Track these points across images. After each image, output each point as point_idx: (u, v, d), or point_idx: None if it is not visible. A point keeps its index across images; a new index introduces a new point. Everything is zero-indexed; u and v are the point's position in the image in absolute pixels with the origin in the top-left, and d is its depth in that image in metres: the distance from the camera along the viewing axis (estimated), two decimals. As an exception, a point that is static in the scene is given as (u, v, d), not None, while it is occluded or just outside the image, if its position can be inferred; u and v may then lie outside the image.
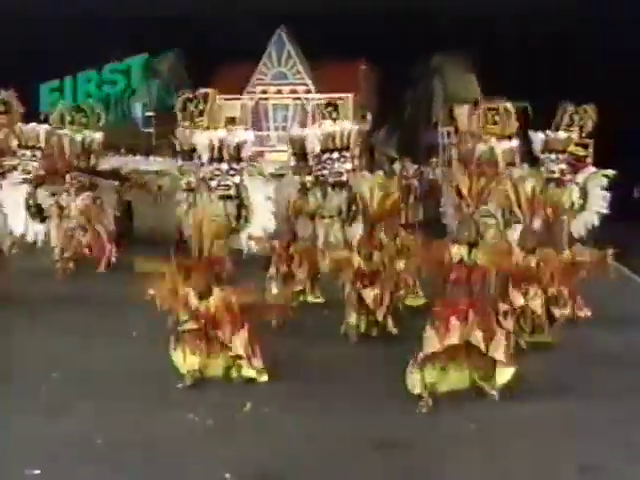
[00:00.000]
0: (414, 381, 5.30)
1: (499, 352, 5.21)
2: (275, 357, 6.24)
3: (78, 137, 11.58)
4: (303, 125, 15.22)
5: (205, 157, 9.62)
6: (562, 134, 11.20)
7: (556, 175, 10.98)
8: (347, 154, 10.15)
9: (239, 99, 16.00)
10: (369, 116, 16.84)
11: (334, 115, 10.75)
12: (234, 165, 9.52)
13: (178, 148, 10.80)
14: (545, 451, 4.71)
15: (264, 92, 15.94)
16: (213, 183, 9.53)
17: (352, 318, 7.26)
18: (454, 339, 5.18)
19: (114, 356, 6.92)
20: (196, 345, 5.87)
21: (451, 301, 5.30)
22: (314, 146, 10.59)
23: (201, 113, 10.03)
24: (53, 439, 4.95)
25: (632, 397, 5.70)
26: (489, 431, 5.05)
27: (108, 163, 13.24)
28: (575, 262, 7.28)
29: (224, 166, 9.53)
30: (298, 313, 7.87)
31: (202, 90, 10.63)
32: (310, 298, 8.89)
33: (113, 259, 9.92)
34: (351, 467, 4.58)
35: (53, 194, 9.83)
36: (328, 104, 10.99)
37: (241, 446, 4.85)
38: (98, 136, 12.17)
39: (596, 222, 11.13)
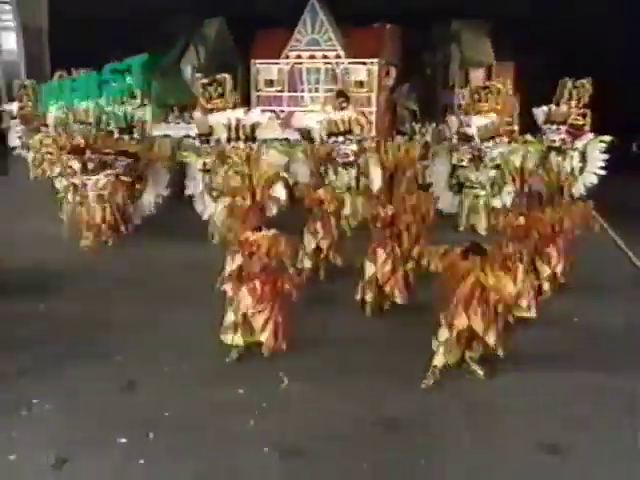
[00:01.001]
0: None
1: (491, 336, 5.36)
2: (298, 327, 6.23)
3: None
4: (333, 88, 15.20)
5: (223, 137, 9.83)
6: (562, 108, 11.40)
7: (557, 144, 11.33)
8: (351, 137, 10.41)
9: (277, 63, 15.83)
10: (393, 72, 16.57)
11: (344, 104, 10.84)
12: (250, 144, 9.76)
13: (196, 131, 10.73)
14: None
15: (298, 57, 15.62)
16: (231, 161, 9.76)
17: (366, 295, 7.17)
18: (460, 326, 5.35)
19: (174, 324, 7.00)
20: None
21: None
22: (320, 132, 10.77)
23: (220, 95, 10.19)
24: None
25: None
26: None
27: (160, 130, 13.54)
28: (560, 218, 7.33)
29: (241, 144, 9.77)
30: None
31: (220, 75, 10.79)
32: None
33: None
34: (360, 444, 4.76)
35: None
36: (339, 94, 11.05)
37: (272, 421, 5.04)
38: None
39: (595, 181, 11.36)
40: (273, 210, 6.78)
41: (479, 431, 4.91)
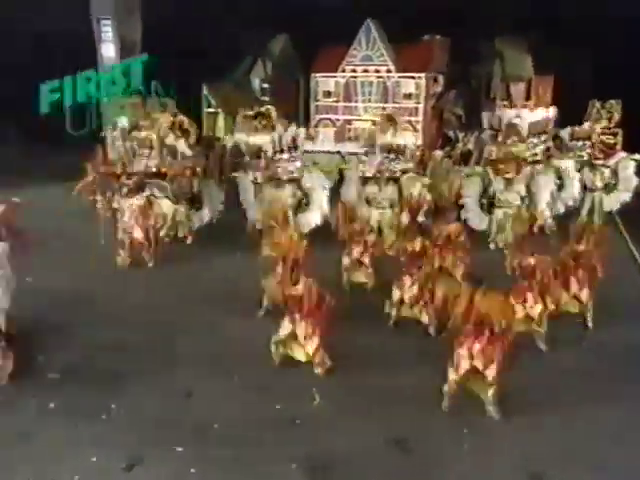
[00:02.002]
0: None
1: (491, 370, 5.25)
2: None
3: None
4: (384, 99, 15.26)
5: (270, 152, 10.06)
6: (585, 126, 11.19)
7: (585, 158, 11.04)
8: (401, 157, 10.33)
9: (334, 77, 15.90)
10: (441, 80, 16.39)
11: (394, 127, 10.77)
12: (293, 153, 9.98)
13: (244, 149, 10.84)
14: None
15: (353, 71, 15.63)
16: (279, 170, 10.01)
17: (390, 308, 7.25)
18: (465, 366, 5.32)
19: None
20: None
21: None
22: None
23: (266, 123, 10.39)
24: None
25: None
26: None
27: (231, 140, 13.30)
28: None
29: (285, 155, 9.96)
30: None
31: (264, 107, 10.98)
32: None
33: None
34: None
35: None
36: (388, 117, 10.98)
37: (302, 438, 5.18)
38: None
39: (628, 199, 11.19)
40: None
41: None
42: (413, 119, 15.26)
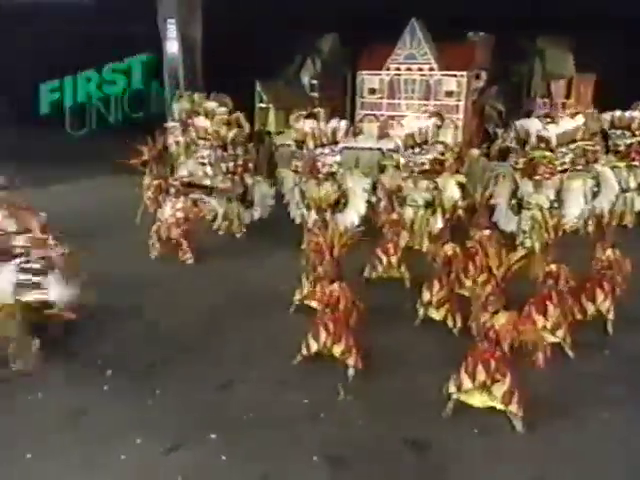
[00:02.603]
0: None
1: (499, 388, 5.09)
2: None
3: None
4: (426, 97, 14.96)
5: (311, 144, 9.91)
6: (627, 114, 10.62)
7: (621, 148, 10.52)
8: (426, 147, 10.00)
9: (379, 74, 15.65)
10: (483, 76, 15.92)
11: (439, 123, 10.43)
12: (333, 147, 9.81)
13: (292, 138, 10.53)
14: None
15: (398, 69, 15.28)
16: (319, 164, 9.85)
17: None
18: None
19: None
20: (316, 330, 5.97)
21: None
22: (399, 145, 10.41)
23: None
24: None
25: None
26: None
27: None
28: None
29: (326, 150, 9.80)
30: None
31: (315, 110, 10.82)
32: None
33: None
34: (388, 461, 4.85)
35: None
36: (436, 114, 10.62)
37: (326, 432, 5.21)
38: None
39: None
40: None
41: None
42: (454, 116, 14.87)
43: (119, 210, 11.39)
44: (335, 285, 5.93)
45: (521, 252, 5.25)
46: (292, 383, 5.95)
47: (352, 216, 10.04)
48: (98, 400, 5.72)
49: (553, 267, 6.31)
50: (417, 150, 10.06)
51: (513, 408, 5.12)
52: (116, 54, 19.07)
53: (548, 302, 6.22)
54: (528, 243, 9.66)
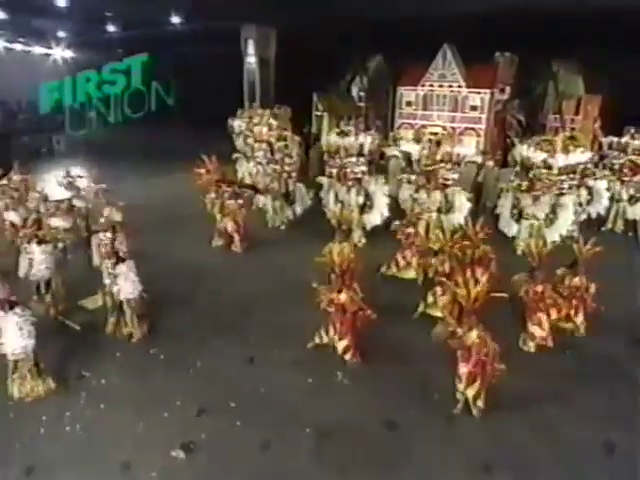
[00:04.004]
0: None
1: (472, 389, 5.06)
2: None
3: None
4: (454, 110, 14.36)
5: (342, 153, 9.79)
6: (623, 139, 9.95)
7: (616, 166, 9.94)
8: (449, 166, 9.69)
9: (415, 90, 15.14)
10: (507, 90, 15.14)
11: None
12: (360, 159, 9.64)
13: (325, 149, 10.42)
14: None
15: (431, 86, 14.81)
16: (348, 172, 9.73)
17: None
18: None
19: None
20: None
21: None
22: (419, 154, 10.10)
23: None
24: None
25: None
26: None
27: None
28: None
29: (353, 159, 9.64)
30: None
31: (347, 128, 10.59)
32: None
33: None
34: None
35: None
36: (437, 143, 10.18)
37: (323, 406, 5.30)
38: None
39: None
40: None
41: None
42: (477, 126, 14.27)
43: (187, 204, 11.27)
44: (342, 294, 5.88)
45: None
46: (303, 365, 6.03)
47: (376, 217, 9.94)
48: (155, 368, 6.08)
49: (539, 288, 6.10)
50: (448, 166, 9.88)
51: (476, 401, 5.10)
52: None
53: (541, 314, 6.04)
54: (525, 247, 9.26)
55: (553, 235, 9.27)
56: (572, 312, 6.38)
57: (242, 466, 4.72)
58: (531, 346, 6.14)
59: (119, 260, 6.24)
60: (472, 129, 14.40)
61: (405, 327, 6.78)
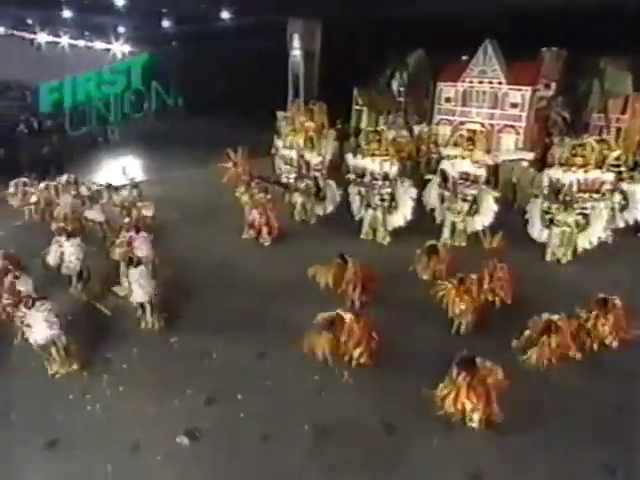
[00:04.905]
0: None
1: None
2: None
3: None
4: (494, 107, 13.83)
5: (368, 177, 9.56)
6: None
7: None
8: (472, 184, 9.29)
9: (454, 86, 14.64)
10: (553, 86, 14.33)
11: (470, 147, 9.56)
12: (385, 182, 9.39)
13: (351, 170, 10.04)
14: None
15: (471, 82, 14.23)
16: (374, 191, 9.52)
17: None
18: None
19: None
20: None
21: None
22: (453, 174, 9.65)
23: (377, 142, 9.74)
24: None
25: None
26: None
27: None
28: None
29: (379, 182, 9.38)
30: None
31: (380, 127, 10.25)
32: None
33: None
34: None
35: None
36: (469, 138, 9.75)
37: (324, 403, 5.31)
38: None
39: None
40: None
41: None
42: (516, 124, 13.67)
43: (223, 195, 11.28)
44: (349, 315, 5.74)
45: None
46: (311, 362, 5.88)
47: (400, 219, 9.75)
48: (173, 356, 6.31)
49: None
50: (467, 183, 9.42)
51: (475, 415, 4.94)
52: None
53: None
54: (560, 254, 8.88)
55: (585, 242, 8.80)
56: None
57: (241, 457, 4.85)
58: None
59: (132, 264, 6.37)
60: (511, 127, 13.81)
61: (420, 329, 6.61)
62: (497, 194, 9.25)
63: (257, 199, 9.55)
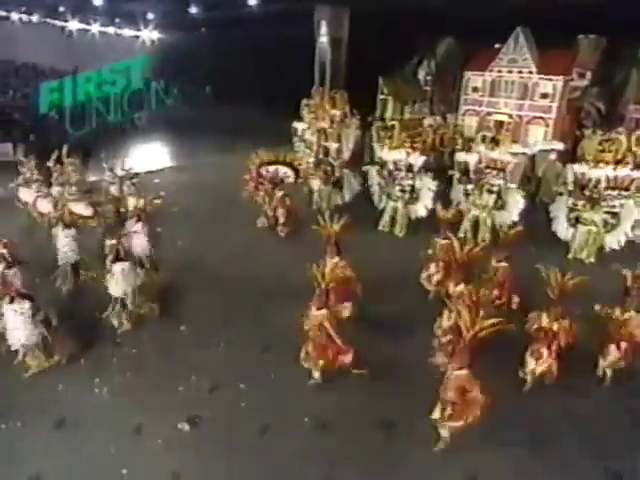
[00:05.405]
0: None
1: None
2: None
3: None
4: (523, 97, 13.34)
5: (391, 166, 9.37)
6: None
7: None
8: (501, 173, 8.99)
9: (482, 75, 14.17)
10: (588, 75, 13.71)
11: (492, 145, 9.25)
12: (408, 174, 9.18)
13: (377, 160, 9.97)
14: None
15: (500, 71, 13.75)
16: (396, 182, 9.33)
17: None
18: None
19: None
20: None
21: None
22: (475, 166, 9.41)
23: (390, 137, 9.56)
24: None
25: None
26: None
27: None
28: None
29: (402, 174, 9.22)
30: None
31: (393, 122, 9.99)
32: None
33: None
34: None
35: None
36: (492, 139, 9.40)
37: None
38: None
39: None
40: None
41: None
42: (546, 116, 13.09)
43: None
44: (321, 311, 5.48)
45: (493, 320, 4.37)
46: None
47: (420, 209, 9.61)
48: (182, 344, 6.42)
49: (555, 325, 5.32)
50: (493, 173, 9.27)
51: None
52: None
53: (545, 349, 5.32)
54: (584, 254, 8.56)
55: (613, 242, 8.43)
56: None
57: (240, 446, 4.90)
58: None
59: (117, 259, 6.26)
60: (541, 118, 13.24)
61: (423, 327, 6.25)
62: (523, 192, 8.95)
63: (274, 195, 9.58)
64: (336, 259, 6.32)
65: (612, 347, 5.31)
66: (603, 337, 5.55)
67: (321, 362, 5.40)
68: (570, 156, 11.75)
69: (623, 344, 5.27)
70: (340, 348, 5.46)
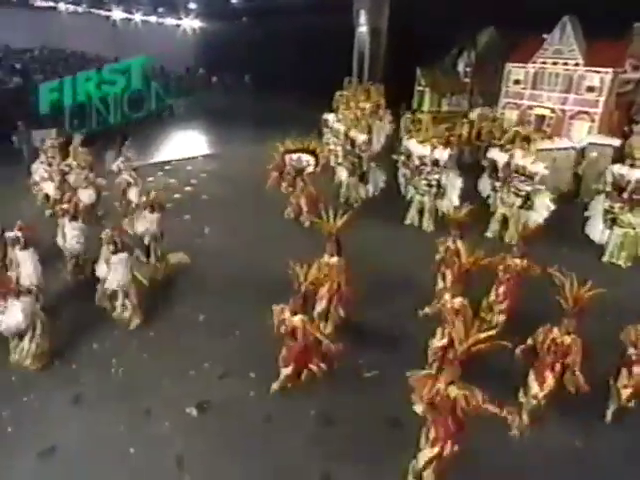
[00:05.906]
0: None
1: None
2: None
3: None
4: (567, 90, 12.73)
5: (417, 161, 9.12)
6: None
7: None
8: (527, 179, 8.58)
9: (524, 67, 13.58)
10: None
11: (525, 146, 8.80)
12: (435, 168, 8.90)
13: (403, 151, 9.67)
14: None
15: (543, 63, 13.09)
16: (422, 175, 9.09)
17: None
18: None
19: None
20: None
21: None
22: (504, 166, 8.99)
23: (418, 130, 9.30)
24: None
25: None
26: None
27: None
28: None
29: (428, 168, 8.95)
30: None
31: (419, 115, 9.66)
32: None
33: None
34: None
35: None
36: (524, 138, 8.95)
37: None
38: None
39: None
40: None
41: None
42: (592, 110, 12.43)
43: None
44: (296, 317, 5.14)
45: (488, 332, 3.92)
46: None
47: (447, 204, 9.34)
48: (199, 331, 6.51)
49: (567, 339, 4.72)
50: (523, 178, 8.79)
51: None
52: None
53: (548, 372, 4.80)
54: (617, 257, 8.10)
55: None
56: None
57: (245, 433, 4.92)
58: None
59: (116, 250, 6.21)
60: (585, 113, 12.59)
61: (429, 325, 5.96)
62: (552, 195, 8.51)
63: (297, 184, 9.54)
64: (335, 259, 6.03)
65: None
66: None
67: (288, 369, 5.20)
68: (618, 154, 11.14)
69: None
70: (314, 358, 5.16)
